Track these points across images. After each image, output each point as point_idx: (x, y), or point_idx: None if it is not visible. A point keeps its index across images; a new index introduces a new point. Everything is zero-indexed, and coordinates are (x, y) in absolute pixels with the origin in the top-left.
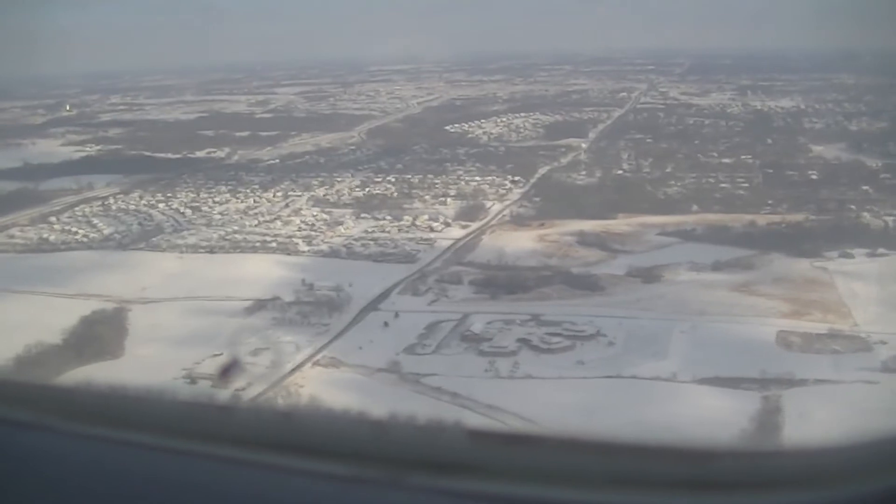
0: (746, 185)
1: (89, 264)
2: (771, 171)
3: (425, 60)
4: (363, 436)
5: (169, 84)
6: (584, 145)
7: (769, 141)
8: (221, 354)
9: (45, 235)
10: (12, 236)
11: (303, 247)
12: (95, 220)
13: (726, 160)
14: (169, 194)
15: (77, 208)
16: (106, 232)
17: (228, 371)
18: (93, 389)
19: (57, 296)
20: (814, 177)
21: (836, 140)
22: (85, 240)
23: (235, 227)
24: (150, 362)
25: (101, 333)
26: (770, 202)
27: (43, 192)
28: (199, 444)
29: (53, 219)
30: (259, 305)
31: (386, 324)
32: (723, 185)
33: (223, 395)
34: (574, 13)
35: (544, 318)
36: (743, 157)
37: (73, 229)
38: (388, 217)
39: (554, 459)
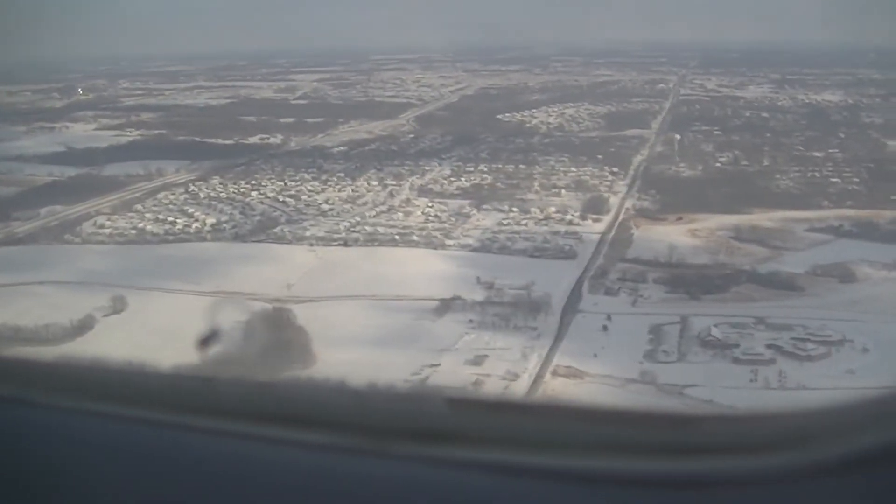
0: (857, 179)
1: (212, 258)
2: (871, 165)
3: (429, 50)
4: (345, 405)
5: (175, 70)
6: (665, 136)
7: (841, 135)
8: (439, 364)
9: (139, 225)
10: (102, 226)
11: (445, 240)
12: (189, 209)
13: (816, 154)
14: (253, 181)
15: (159, 196)
16: (209, 222)
17: (208, 341)
18: (74, 363)
19: (194, 293)
20: None
21: None
22: (190, 230)
23: (357, 218)
24: (353, 372)
25: (277, 338)
26: (894, 198)
27: (110, 179)
28: (181, 416)
29: (139, 206)
30: (445, 306)
31: (605, 328)
32: (832, 179)
33: (204, 366)
34: (560, 4)
35: (770, 321)
36: (830, 151)
37: (170, 219)
38: (515, 209)
39: (536, 426)
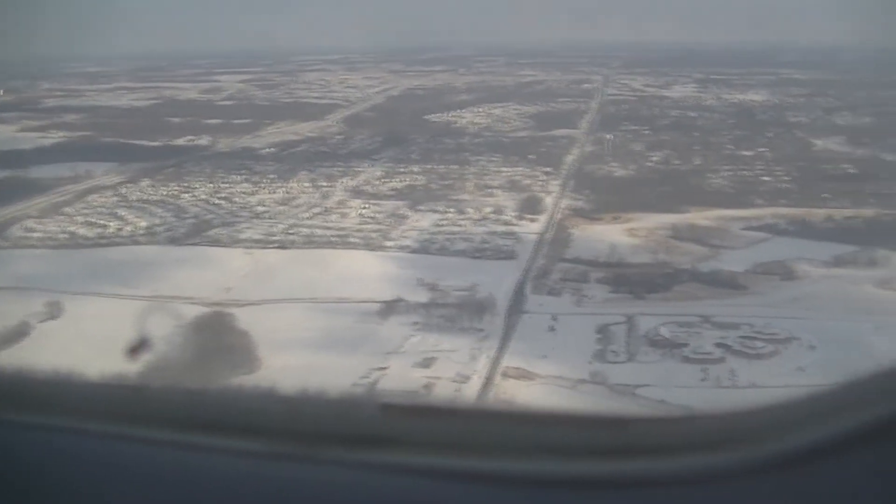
0: (788, 178)
1: (147, 261)
2: (801, 164)
3: (351, 51)
4: (276, 412)
5: (95, 71)
6: (594, 136)
7: (769, 134)
8: (388, 368)
9: (70, 228)
10: (31, 230)
11: (383, 241)
12: (121, 212)
13: (746, 153)
14: (184, 184)
15: (89, 198)
16: (142, 224)
17: (138, 349)
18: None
19: (132, 298)
20: (851, 171)
21: (832, 134)
22: (123, 234)
23: (292, 220)
24: (300, 376)
25: (220, 342)
26: (825, 196)
27: (37, 181)
28: (109, 425)
29: (69, 209)
30: (388, 308)
31: (552, 328)
32: (764, 178)
33: (132, 374)
34: (475, 6)
35: (716, 319)
36: (759, 150)
37: (101, 222)
38: (451, 210)
39: (468, 430)
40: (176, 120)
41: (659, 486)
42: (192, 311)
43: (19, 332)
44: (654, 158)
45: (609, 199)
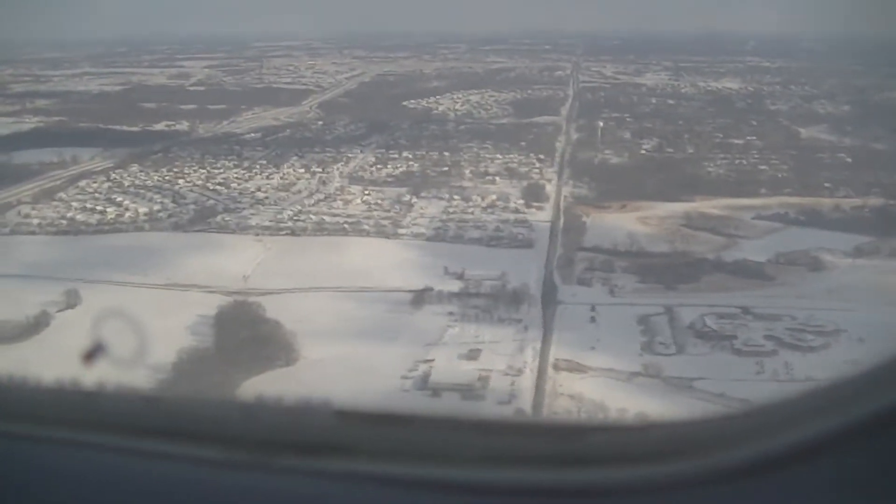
0: (785, 167)
1: (156, 248)
2: (793, 152)
3: (310, 37)
4: (232, 419)
5: (56, 57)
6: (577, 123)
7: (753, 123)
8: (433, 360)
9: (68, 214)
10: (27, 216)
11: (396, 229)
12: (117, 198)
13: (736, 141)
14: (175, 169)
15: (80, 184)
16: (142, 210)
17: (93, 354)
18: None
19: (147, 286)
20: (846, 159)
21: (815, 122)
22: (124, 220)
23: (298, 207)
24: (343, 370)
25: (251, 334)
26: (827, 185)
27: (22, 167)
28: (62, 431)
29: (62, 195)
30: (418, 297)
31: (593, 319)
32: (761, 167)
33: (87, 379)
34: None
35: (755, 311)
36: (748, 138)
37: (98, 207)
38: (456, 197)
39: (423, 438)
40: (150, 105)
41: (613, 495)
42: (213, 301)
43: (39, 322)
44: (646, 146)
45: (610, 186)
